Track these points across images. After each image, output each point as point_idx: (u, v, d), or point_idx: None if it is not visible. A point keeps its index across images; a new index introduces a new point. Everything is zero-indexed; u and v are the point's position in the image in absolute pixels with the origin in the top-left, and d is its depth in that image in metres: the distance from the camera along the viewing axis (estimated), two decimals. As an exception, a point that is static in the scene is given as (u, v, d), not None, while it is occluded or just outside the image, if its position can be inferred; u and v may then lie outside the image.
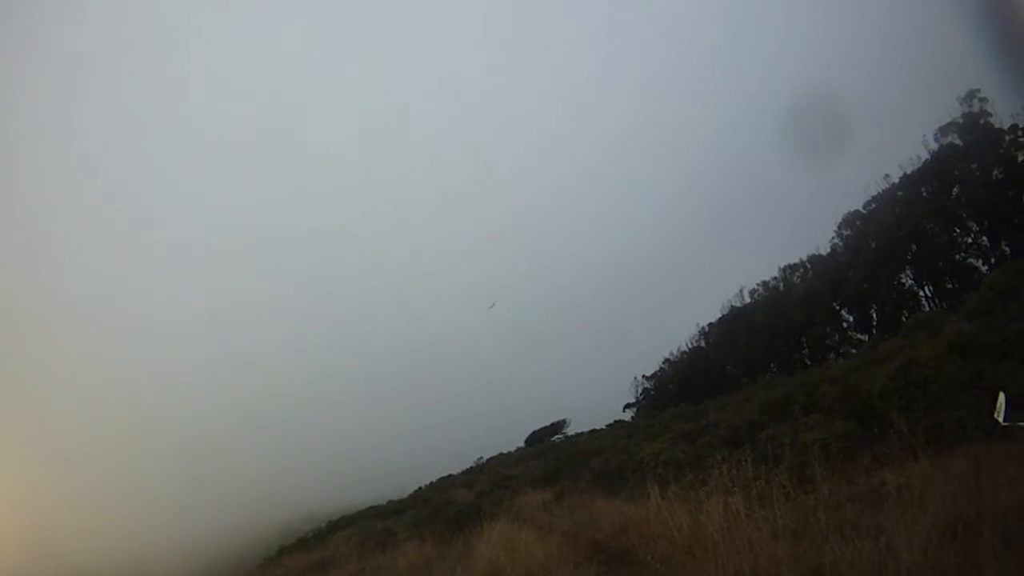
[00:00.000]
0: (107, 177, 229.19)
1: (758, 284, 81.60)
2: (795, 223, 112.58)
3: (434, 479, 68.93)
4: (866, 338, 59.49)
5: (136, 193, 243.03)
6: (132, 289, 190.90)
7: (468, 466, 74.30)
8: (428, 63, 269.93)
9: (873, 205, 66.71)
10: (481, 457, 78.34)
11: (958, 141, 58.00)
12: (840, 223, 70.77)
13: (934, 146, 60.79)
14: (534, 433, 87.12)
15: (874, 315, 62.54)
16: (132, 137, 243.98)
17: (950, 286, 55.47)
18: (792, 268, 77.00)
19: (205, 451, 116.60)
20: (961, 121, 58.43)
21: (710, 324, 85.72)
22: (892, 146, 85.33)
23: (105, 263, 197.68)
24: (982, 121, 56.72)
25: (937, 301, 56.01)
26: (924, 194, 58.41)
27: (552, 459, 46.76)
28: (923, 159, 61.11)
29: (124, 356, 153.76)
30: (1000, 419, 11.78)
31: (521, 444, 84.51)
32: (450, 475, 68.58)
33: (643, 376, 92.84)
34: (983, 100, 56.52)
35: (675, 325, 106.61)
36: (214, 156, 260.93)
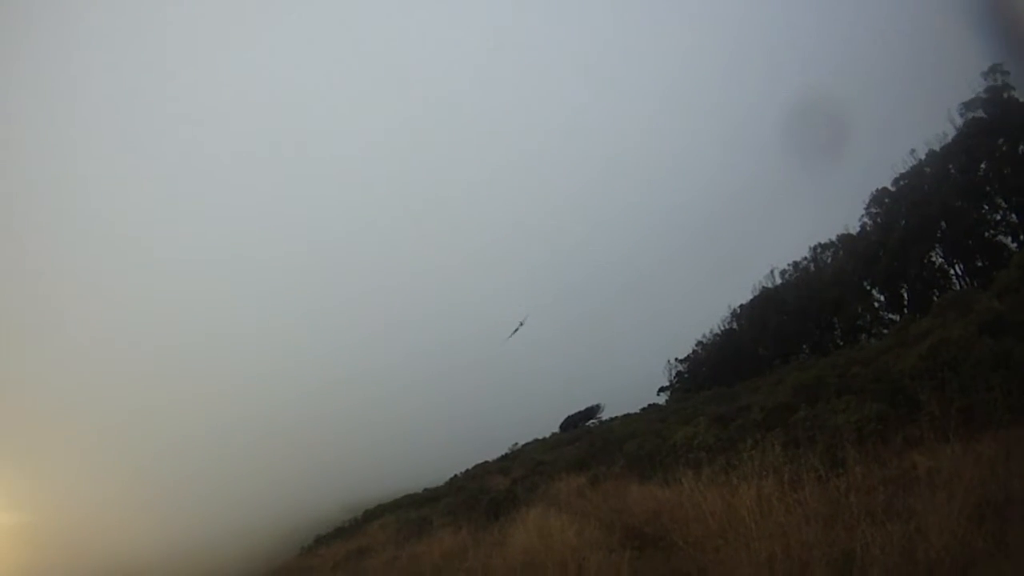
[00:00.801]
0: (146, 177, 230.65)
1: (789, 265, 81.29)
2: (826, 202, 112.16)
3: (470, 466, 68.88)
4: (897, 318, 59.23)
5: (171, 195, 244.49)
6: (178, 293, 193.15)
7: (503, 452, 74.40)
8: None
9: (902, 182, 66.35)
10: (516, 443, 78.56)
11: (983, 115, 57.62)
12: (869, 201, 70.33)
13: (959, 121, 60.49)
14: (569, 418, 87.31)
15: (905, 294, 62.23)
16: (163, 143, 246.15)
17: (980, 264, 55.13)
18: (823, 248, 76.81)
19: (243, 446, 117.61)
20: (985, 96, 58.03)
21: (742, 306, 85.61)
22: (920, 121, 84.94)
23: (150, 266, 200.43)
24: (1006, 95, 56.37)
25: (968, 279, 55.76)
26: (952, 171, 58.12)
27: (586, 444, 46.74)
28: (949, 135, 60.91)
29: (173, 356, 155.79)
30: None
31: (556, 430, 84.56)
32: (485, 462, 68.52)
33: (676, 359, 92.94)
34: (1005, 74, 56.10)
35: (708, 307, 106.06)
36: (232, 163, 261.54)
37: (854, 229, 72.55)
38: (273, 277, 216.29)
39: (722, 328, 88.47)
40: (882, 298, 64.87)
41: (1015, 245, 52.11)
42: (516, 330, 79.73)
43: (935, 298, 49.65)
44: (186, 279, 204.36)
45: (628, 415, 70.67)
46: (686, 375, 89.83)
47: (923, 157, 64.91)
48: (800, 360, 57.80)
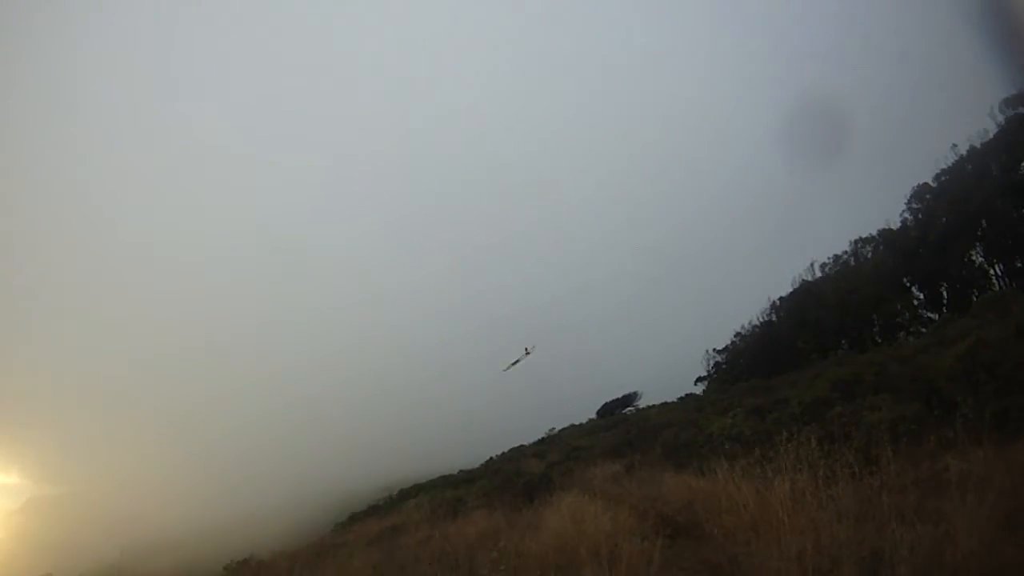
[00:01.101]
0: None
1: (829, 258, 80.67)
2: (869, 195, 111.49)
3: (506, 449, 69.30)
4: (936, 317, 58.89)
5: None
6: (222, 281, 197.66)
7: (540, 437, 74.52)
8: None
9: (943, 178, 65.93)
10: (553, 428, 78.49)
11: (1024, 111, 57.15)
12: (910, 196, 69.89)
13: (1000, 118, 60.02)
14: (606, 405, 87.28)
15: (944, 293, 61.75)
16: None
17: (1020, 264, 54.60)
18: (863, 242, 76.18)
19: (283, 426, 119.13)
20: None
21: (781, 298, 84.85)
22: (964, 114, 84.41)
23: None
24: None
25: (1007, 280, 55.30)
26: (993, 169, 57.61)
27: (623, 431, 46.85)
28: (991, 131, 60.48)
29: (218, 338, 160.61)
30: None
31: (593, 416, 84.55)
32: (522, 445, 68.90)
33: (714, 350, 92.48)
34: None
35: (748, 298, 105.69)
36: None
37: (895, 224, 72.22)
38: (314, 266, 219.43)
39: (761, 320, 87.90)
40: (921, 296, 64.42)
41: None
42: (517, 361, 75.21)
43: (974, 298, 49.36)
44: (231, 268, 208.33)
45: (665, 404, 70.74)
46: (724, 366, 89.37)
47: (964, 153, 64.59)
48: (838, 355, 57.48)
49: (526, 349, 74.91)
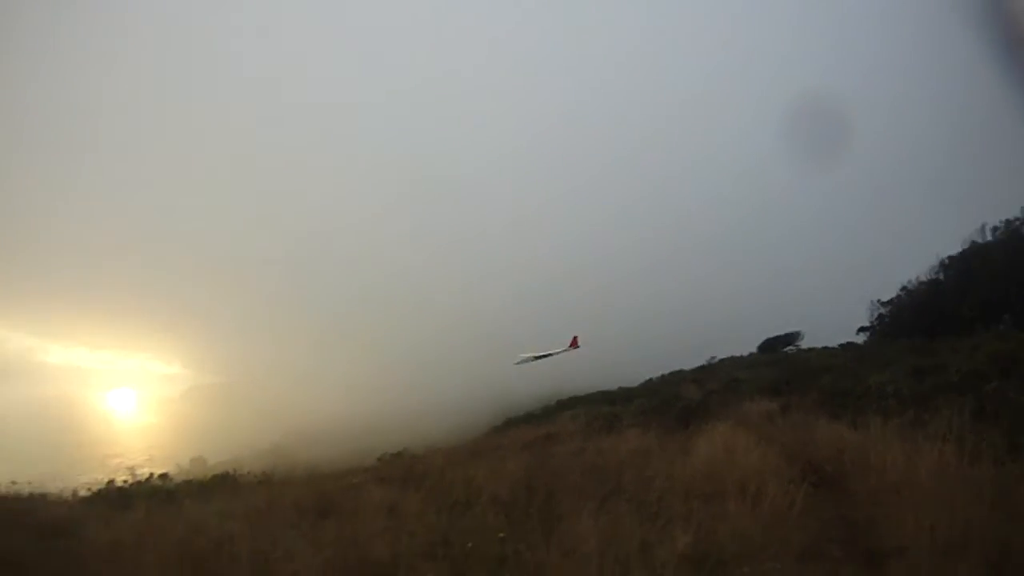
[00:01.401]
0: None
1: (1000, 222, 77.54)
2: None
3: (665, 372, 69.79)
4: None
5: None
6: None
7: (700, 364, 74.75)
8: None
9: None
10: (714, 356, 78.38)
11: None
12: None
13: None
14: (767, 341, 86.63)
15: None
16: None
17: None
18: (1039, 211, 72.93)
19: (447, 328, 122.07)
20: None
21: (950, 257, 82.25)
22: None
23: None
24: None
25: None
26: None
27: (782, 370, 46.53)
28: None
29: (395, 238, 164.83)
30: None
31: (754, 350, 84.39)
32: (681, 370, 69.19)
33: (879, 301, 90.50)
34: None
35: (915, 251, 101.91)
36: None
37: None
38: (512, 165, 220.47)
39: (928, 277, 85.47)
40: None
41: None
42: (550, 354, 71.00)
43: None
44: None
45: (826, 348, 70.19)
46: (887, 319, 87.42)
47: None
48: (1000, 329, 56.13)
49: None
